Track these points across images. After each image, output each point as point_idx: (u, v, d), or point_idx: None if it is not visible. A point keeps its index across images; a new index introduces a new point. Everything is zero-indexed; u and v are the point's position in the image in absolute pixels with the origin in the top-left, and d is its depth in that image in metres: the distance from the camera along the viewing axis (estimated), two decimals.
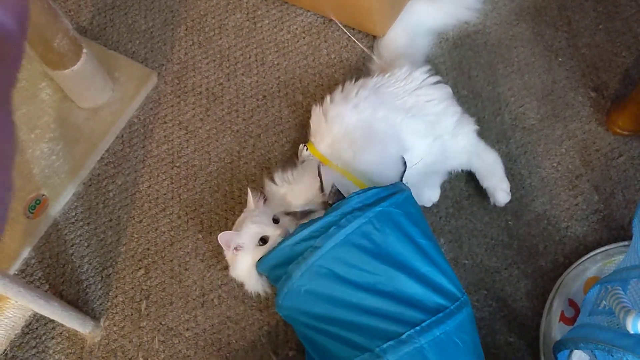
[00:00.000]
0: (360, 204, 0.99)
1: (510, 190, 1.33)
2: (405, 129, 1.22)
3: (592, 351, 1.12)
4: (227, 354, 1.28)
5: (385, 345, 0.92)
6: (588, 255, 1.27)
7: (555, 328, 1.21)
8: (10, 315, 1.22)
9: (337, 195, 1.08)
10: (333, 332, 0.97)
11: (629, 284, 0.99)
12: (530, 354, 1.22)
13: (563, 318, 1.22)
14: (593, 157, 1.38)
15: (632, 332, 0.91)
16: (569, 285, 1.25)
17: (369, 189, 1.01)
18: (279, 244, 1.02)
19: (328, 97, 1.25)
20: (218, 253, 1.36)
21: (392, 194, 1.01)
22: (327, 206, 1.07)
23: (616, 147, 1.38)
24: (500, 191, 1.30)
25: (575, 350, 1.14)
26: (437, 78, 1.30)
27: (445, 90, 1.29)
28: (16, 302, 1.17)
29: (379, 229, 0.98)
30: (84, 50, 1.36)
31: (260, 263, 1.07)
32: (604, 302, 1.03)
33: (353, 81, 1.27)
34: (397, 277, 0.96)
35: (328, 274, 0.96)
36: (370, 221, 0.98)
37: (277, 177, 1.21)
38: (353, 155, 1.18)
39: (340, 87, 1.26)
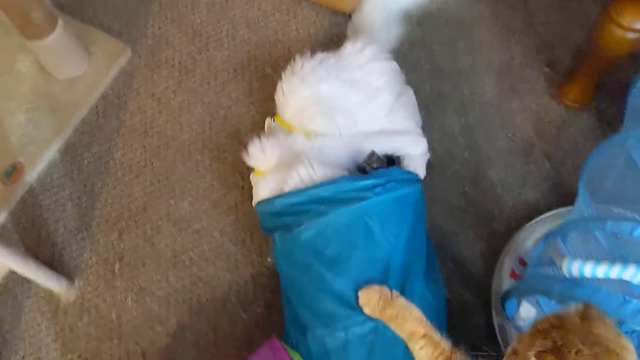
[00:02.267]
0: (375, 183, 1.09)
1: (468, 159, 1.41)
2: (349, 101, 1.27)
3: (537, 302, 1.20)
4: (198, 312, 1.34)
5: None
6: (538, 218, 1.35)
7: (505, 284, 1.29)
8: None
9: (379, 162, 1.17)
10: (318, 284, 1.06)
11: (569, 236, 1.07)
12: (483, 309, 1.30)
13: (513, 275, 1.30)
14: (546, 128, 1.47)
15: (567, 276, 0.99)
16: (520, 246, 1.33)
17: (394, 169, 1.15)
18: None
19: (283, 73, 1.31)
20: (190, 218, 1.42)
21: (414, 180, 1.16)
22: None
23: (567, 118, 1.47)
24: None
25: (524, 303, 1.22)
26: (386, 55, 1.34)
27: (391, 65, 1.33)
28: None
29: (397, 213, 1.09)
30: (59, 22, 1.41)
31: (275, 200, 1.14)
32: (546, 254, 1.11)
33: (306, 56, 1.32)
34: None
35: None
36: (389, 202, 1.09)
37: None
38: (311, 127, 1.24)
39: (291, 62, 1.31)
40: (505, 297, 1.16)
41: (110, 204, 1.44)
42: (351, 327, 1.03)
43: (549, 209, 1.37)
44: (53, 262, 1.39)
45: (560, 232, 1.08)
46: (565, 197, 1.39)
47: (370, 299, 1.02)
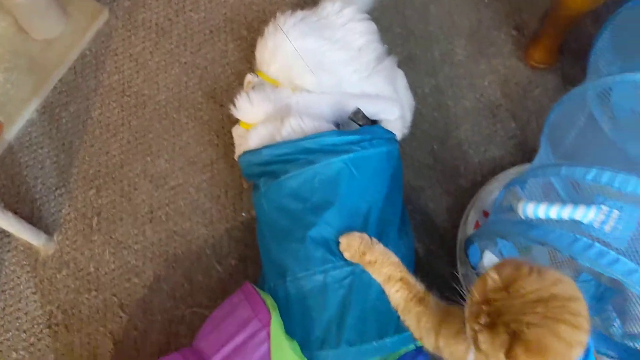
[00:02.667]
0: (361, 138, 1.14)
1: (437, 119, 1.46)
2: (332, 58, 1.31)
3: (500, 252, 1.26)
4: (174, 264, 1.38)
5: None
6: (502, 174, 1.40)
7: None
8: None
9: (365, 119, 1.21)
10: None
11: (527, 183, 1.12)
12: (448, 260, 1.36)
13: (477, 227, 1.36)
14: (512, 89, 1.52)
15: (523, 218, 1.04)
16: (484, 200, 1.39)
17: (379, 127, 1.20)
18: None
19: (266, 29, 1.34)
20: (166, 175, 1.45)
21: (394, 140, 1.21)
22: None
23: (533, 80, 1.52)
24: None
25: (487, 252, 1.28)
26: (365, 15, 1.38)
27: (371, 26, 1.37)
28: None
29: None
30: None
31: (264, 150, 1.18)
32: (506, 201, 1.16)
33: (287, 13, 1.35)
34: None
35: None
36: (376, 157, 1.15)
37: None
38: (297, 82, 1.28)
39: (273, 19, 1.34)
40: (467, 243, 1.21)
41: (88, 161, 1.47)
42: (330, 270, 1.08)
43: (513, 165, 1.42)
44: (32, 218, 1.42)
45: (519, 180, 1.13)
46: (529, 154, 1.44)
47: (351, 245, 1.07)
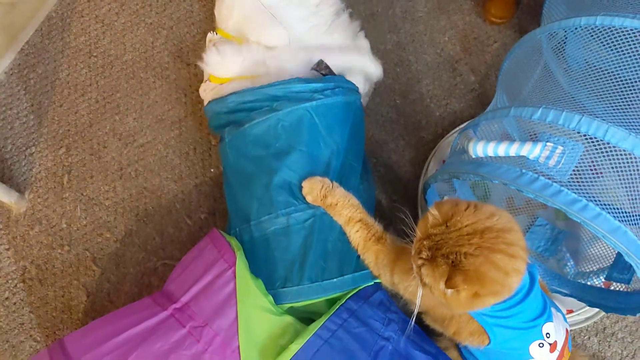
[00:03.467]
0: (325, 86, 1.18)
1: (399, 74, 1.50)
2: (291, 15, 1.34)
3: (455, 193, 1.31)
4: (145, 219, 1.42)
5: None
6: (462, 126, 1.45)
7: None
8: None
9: (328, 69, 1.25)
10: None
11: (479, 126, 1.17)
12: (411, 209, 1.41)
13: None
14: (472, 44, 1.56)
15: (473, 156, 1.10)
16: (444, 150, 1.44)
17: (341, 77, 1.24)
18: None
19: None
20: (135, 133, 1.48)
21: (356, 90, 1.26)
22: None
23: (492, 35, 1.57)
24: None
25: (445, 198, 1.33)
26: None
27: None
28: None
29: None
30: None
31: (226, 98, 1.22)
32: (460, 144, 1.21)
33: None
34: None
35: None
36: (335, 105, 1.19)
37: None
38: (257, 38, 1.31)
39: None
40: (425, 187, 1.26)
41: (57, 121, 1.49)
42: (293, 213, 1.12)
43: (473, 117, 1.47)
44: (3, 177, 1.45)
45: (472, 124, 1.18)
46: (488, 106, 1.49)
47: (313, 189, 1.12)
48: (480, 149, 1.06)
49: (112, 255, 1.39)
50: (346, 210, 1.11)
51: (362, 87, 1.40)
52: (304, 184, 1.13)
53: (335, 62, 1.31)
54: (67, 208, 1.43)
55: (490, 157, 1.08)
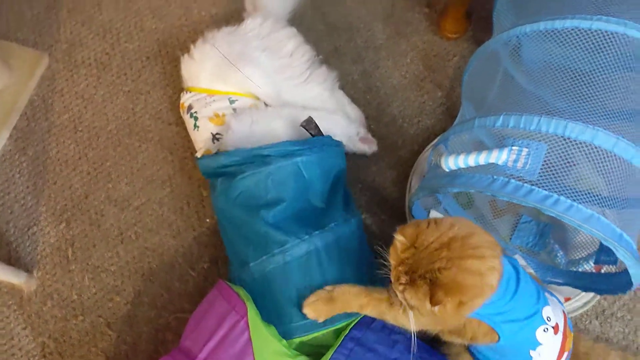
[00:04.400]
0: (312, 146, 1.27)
1: (369, 100, 1.58)
2: (266, 65, 1.42)
3: (445, 209, 1.38)
4: (151, 278, 1.48)
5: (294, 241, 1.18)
6: (434, 141, 1.52)
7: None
8: None
9: (317, 129, 1.33)
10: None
11: (449, 140, 1.24)
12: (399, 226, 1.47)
13: None
14: (433, 61, 1.64)
15: (447, 170, 1.16)
16: (423, 166, 1.51)
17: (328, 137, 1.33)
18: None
19: (192, 46, 1.45)
20: (129, 197, 1.55)
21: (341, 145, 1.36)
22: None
23: (450, 49, 1.65)
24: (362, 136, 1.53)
25: (432, 211, 1.40)
26: (285, 23, 1.50)
27: (294, 31, 1.49)
28: None
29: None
30: None
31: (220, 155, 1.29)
32: (435, 160, 1.28)
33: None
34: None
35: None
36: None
37: None
38: (234, 82, 1.39)
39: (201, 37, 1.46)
40: (410, 204, 1.33)
41: (53, 198, 1.56)
42: (288, 250, 1.19)
43: (445, 131, 1.54)
44: (10, 260, 1.51)
45: (442, 139, 1.25)
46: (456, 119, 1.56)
47: (317, 309, 1.14)
48: (452, 163, 1.13)
49: (124, 317, 1.45)
50: (353, 302, 1.12)
51: (348, 128, 1.48)
52: (305, 310, 1.14)
53: (325, 124, 1.39)
54: (76, 279, 1.48)
55: (462, 168, 1.15)
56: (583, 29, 1.14)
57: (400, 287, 0.93)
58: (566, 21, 1.18)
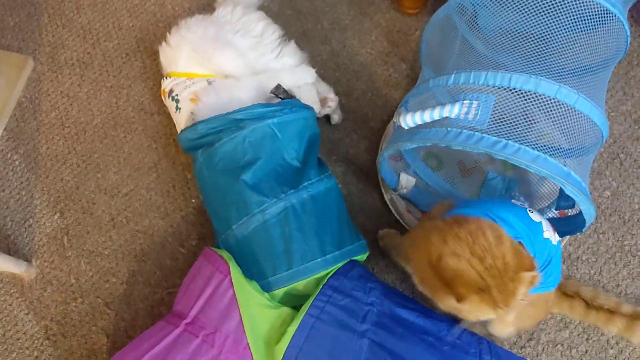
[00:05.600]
0: (283, 107, 1.35)
1: (339, 78, 1.67)
2: (238, 45, 1.52)
3: (414, 172, 1.46)
4: (143, 258, 1.56)
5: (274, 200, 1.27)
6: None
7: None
8: None
9: (285, 94, 1.42)
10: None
11: (409, 103, 1.33)
12: (376, 192, 1.56)
13: (393, 158, 1.56)
14: (396, 37, 1.74)
15: (406, 128, 1.25)
16: (391, 132, 1.59)
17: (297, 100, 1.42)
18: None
19: (168, 34, 1.54)
20: (118, 185, 1.64)
21: (311, 109, 1.43)
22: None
23: (412, 25, 1.74)
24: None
25: (402, 174, 1.49)
26: (254, 9, 1.59)
27: (262, 14, 1.58)
28: None
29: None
30: None
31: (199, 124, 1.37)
32: (397, 122, 1.37)
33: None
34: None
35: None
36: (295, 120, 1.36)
37: None
38: (211, 64, 1.48)
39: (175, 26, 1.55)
40: (378, 164, 1.42)
41: (46, 191, 1.65)
42: (267, 209, 1.28)
43: None
44: (9, 251, 1.59)
45: (403, 102, 1.34)
46: None
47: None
48: (410, 120, 1.22)
49: (121, 296, 1.53)
50: None
51: (316, 99, 1.57)
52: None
53: (292, 79, 1.48)
54: (73, 265, 1.57)
55: (421, 125, 1.24)
56: None
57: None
58: None
